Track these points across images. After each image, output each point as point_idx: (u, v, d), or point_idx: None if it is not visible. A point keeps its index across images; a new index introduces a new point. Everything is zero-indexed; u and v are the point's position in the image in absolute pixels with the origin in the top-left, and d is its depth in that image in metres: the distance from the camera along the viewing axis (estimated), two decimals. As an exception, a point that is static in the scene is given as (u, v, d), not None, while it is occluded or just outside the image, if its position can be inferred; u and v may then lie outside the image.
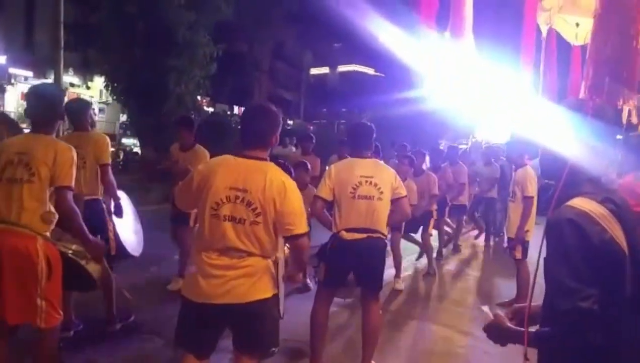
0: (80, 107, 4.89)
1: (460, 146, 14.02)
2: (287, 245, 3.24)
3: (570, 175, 1.97)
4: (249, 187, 2.84)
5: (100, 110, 24.18)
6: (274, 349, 3.08)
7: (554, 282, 1.84)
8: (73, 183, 3.43)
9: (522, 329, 1.96)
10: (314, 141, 9.21)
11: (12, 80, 22.16)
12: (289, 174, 3.17)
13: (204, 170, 3.01)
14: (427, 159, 9.22)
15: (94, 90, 24.54)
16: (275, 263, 3.03)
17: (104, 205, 4.64)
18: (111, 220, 4.57)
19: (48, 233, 3.39)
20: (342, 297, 4.98)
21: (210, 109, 28.03)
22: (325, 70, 43.66)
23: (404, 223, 6.89)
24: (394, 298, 6.76)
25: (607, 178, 2.05)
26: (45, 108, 3.55)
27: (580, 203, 1.89)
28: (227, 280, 2.85)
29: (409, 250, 8.40)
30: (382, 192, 4.22)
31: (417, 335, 5.68)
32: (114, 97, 11.75)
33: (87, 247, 3.61)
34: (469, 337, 5.49)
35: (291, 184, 2.97)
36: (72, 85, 22.98)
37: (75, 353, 4.36)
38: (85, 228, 3.52)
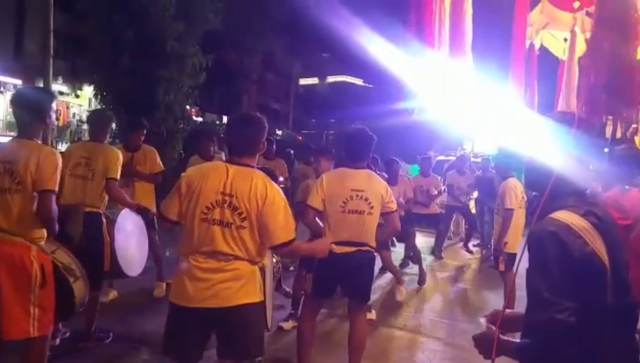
0: (98, 119, 5.05)
1: (448, 158, 14.11)
2: (274, 256, 3.24)
3: (554, 187, 1.99)
4: (235, 192, 2.89)
5: (89, 118, 24.06)
6: (259, 358, 3.07)
7: (533, 293, 1.86)
8: (57, 188, 3.38)
9: (512, 340, 1.97)
10: (274, 145, 9.06)
11: (1, 89, 22.06)
12: (275, 180, 3.19)
13: (194, 175, 3.05)
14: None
15: (83, 99, 24.45)
16: (262, 270, 3.04)
17: (104, 219, 4.61)
18: (110, 236, 4.54)
19: (42, 243, 3.39)
20: (328, 309, 4.97)
21: (200, 119, 28.02)
22: (314, 80, 43.80)
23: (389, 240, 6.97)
24: (382, 308, 6.75)
25: (592, 191, 2.07)
26: (30, 112, 3.49)
27: (562, 216, 1.91)
28: (214, 283, 2.87)
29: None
30: (372, 207, 4.21)
31: (403, 345, 5.67)
32: (103, 106, 11.73)
33: None
34: (458, 349, 5.48)
35: (274, 190, 2.99)
36: (61, 93, 22.85)
37: (61, 361, 4.31)
38: (56, 231, 3.46)
